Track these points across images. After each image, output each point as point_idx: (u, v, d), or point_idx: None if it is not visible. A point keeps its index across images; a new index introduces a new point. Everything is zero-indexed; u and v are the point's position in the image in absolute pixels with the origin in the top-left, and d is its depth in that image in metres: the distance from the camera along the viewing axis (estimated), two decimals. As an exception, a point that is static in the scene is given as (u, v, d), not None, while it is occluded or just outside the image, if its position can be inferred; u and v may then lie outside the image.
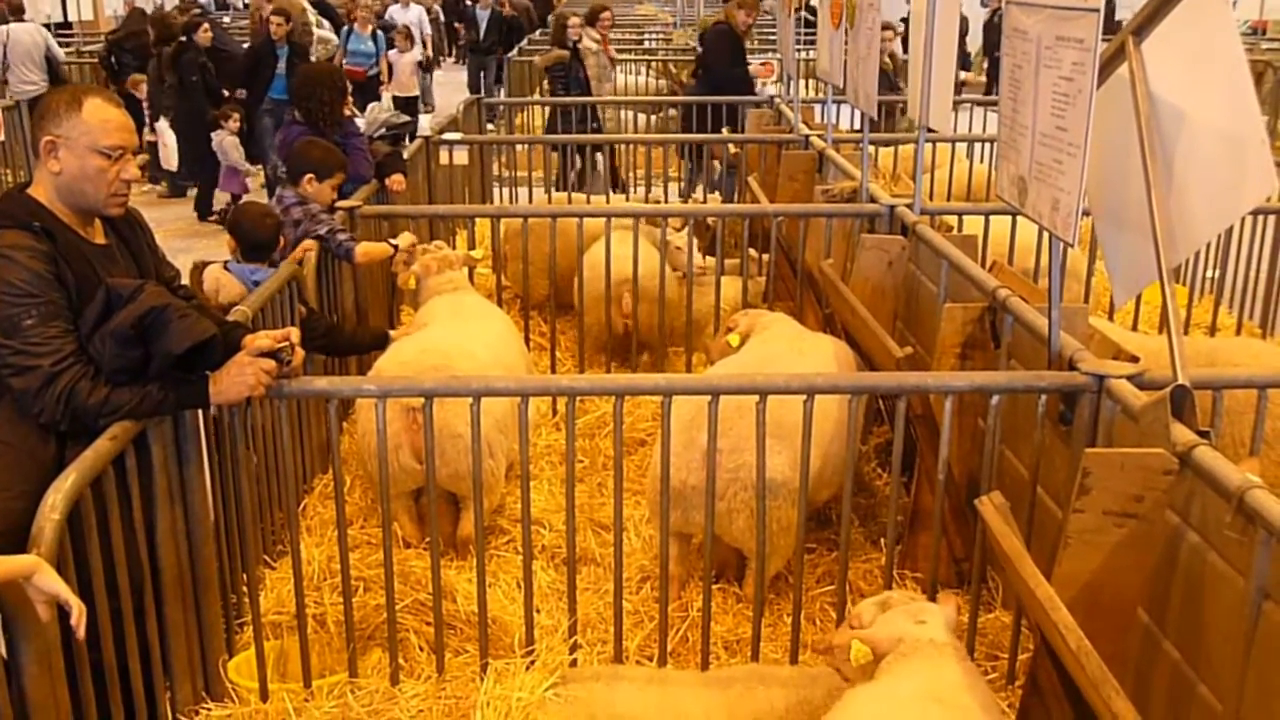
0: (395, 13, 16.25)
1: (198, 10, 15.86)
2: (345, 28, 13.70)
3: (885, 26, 10.09)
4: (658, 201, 9.87)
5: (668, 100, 13.03)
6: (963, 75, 11.12)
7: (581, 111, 10.83)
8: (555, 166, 9.92)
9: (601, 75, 11.56)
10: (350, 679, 3.75)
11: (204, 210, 11.72)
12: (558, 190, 9.62)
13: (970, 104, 11.43)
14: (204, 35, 12.07)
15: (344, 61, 12.91)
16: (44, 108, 3.17)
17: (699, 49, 12.06)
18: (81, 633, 2.67)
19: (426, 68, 17.00)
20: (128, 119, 3.25)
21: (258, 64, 11.31)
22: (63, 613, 2.68)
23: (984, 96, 11.15)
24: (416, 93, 14.86)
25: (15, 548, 2.75)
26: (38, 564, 2.66)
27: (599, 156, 10.79)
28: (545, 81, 12.31)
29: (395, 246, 5.73)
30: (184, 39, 12.19)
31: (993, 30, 12.79)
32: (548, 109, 11.58)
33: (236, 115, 11.04)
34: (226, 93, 11.90)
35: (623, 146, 10.83)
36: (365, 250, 5.60)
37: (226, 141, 10.99)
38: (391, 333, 5.49)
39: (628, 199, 9.96)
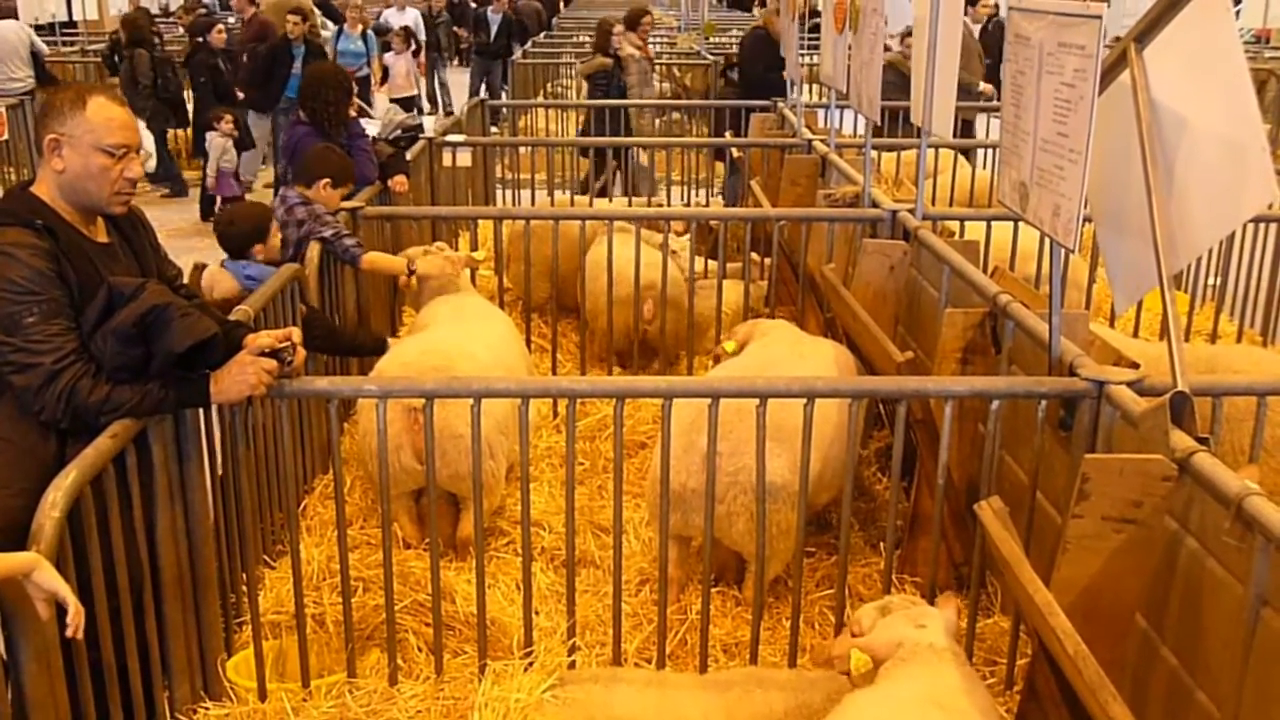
0: (390, 16, 15.97)
1: (203, 10, 15.87)
2: (336, 28, 13.62)
3: (911, 33, 10.10)
4: (660, 204, 9.89)
5: (671, 104, 13.07)
6: (981, 85, 11.15)
7: (617, 115, 10.84)
8: (583, 170, 9.92)
9: (643, 80, 11.46)
10: (349, 679, 3.75)
11: (207, 211, 11.72)
12: (582, 194, 9.63)
13: (972, 111, 11.45)
14: (218, 36, 11.89)
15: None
16: (48, 106, 3.18)
17: (736, 52, 12.00)
18: (77, 633, 2.68)
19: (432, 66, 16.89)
20: (131, 118, 3.27)
21: (274, 63, 11.29)
22: (61, 610, 2.69)
23: (984, 103, 11.15)
24: (413, 93, 14.78)
25: (15, 545, 2.75)
26: (37, 561, 2.67)
27: (643, 159, 10.72)
28: (559, 87, 12.15)
29: (412, 271, 5.64)
30: (199, 39, 12.13)
31: (986, 37, 12.74)
32: (582, 113, 11.55)
33: (228, 117, 10.98)
34: (242, 94, 11.80)
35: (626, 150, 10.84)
36: (373, 261, 5.58)
37: (215, 143, 10.95)
38: (391, 340, 5.49)
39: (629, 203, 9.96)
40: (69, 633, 2.67)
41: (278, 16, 12.93)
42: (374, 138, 7.36)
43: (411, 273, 5.62)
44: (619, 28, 11.40)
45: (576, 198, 9.42)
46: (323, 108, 6.47)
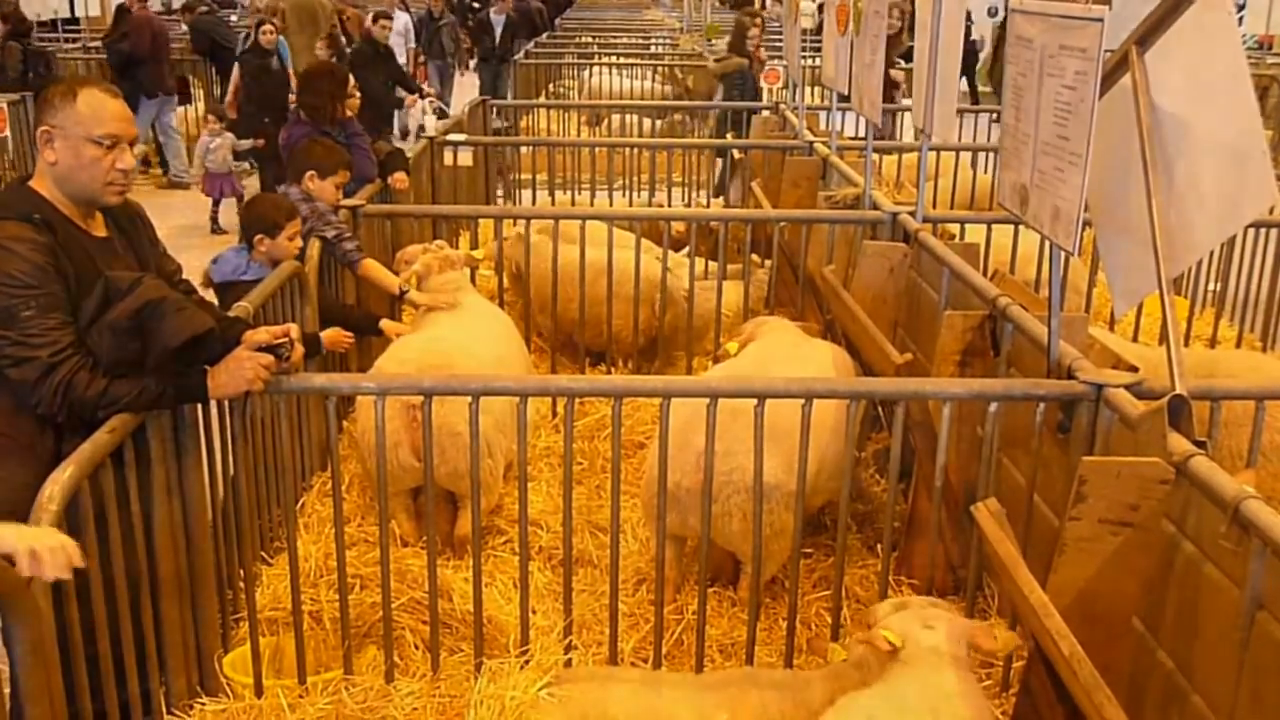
0: None
1: (204, 9, 15.82)
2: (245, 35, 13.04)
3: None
4: (660, 206, 9.88)
5: (673, 105, 13.08)
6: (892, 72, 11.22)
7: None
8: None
9: None
10: (345, 676, 3.76)
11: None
12: (717, 196, 9.80)
13: (975, 114, 11.47)
14: (266, 37, 11.27)
15: None
16: (42, 99, 3.20)
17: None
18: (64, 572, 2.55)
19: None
20: (124, 109, 3.26)
21: (359, 66, 10.90)
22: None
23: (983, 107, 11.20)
24: None
25: (11, 539, 2.74)
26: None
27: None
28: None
29: (404, 291, 5.58)
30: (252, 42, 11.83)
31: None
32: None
33: (212, 117, 10.82)
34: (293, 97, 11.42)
35: (628, 151, 10.84)
36: (368, 270, 5.57)
37: (200, 142, 10.83)
38: (385, 323, 5.48)
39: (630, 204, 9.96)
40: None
41: (300, 16, 12.72)
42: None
43: (403, 293, 5.58)
44: (755, 31, 11.23)
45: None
46: (315, 99, 6.47)
